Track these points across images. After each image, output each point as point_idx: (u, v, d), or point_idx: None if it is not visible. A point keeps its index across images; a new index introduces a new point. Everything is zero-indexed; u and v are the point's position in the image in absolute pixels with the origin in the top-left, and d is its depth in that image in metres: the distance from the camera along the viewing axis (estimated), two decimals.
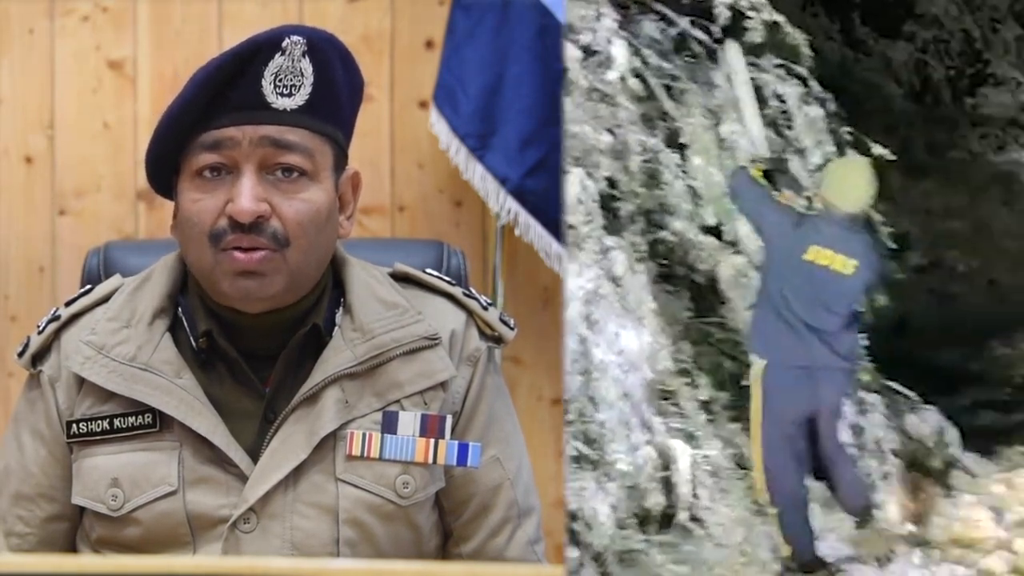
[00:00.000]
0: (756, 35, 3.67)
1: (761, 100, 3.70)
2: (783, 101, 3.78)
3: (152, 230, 2.86)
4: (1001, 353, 5.92)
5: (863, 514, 3.39)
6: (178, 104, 1.44)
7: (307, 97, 1.45)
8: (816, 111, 3.81)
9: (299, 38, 1.45)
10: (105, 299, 1.56)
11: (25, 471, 1.54)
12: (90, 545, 1.52)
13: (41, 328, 1.56)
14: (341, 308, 1.54)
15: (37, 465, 1.54)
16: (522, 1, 2.79)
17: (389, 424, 1.51)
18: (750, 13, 3.65)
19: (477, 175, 2.81)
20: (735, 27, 3.62)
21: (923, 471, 3.93)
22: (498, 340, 1.62)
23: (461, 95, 2.79)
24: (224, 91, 1.43)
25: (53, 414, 1.52)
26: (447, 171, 2.86)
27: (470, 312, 1.60)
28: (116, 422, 1.49)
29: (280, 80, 1.44)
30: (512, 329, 1.63)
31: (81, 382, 1.51)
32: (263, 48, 1.43)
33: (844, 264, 3.13)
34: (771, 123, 3.75)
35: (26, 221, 2.88)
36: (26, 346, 1.56)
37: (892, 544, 3.50)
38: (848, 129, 3.90)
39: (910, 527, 3.65)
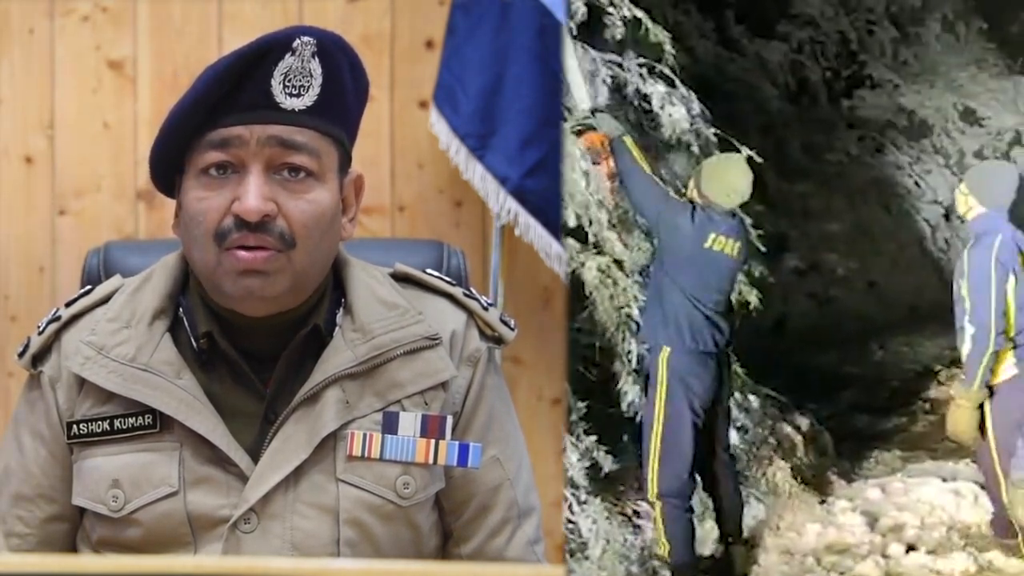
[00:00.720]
0: (616, 31, 3.62)
1: (623, 98, 3.67)
2: (647, 101, 3.76)
3: (152, 230, 2.86)
4: (879, 357, 5.90)
5: (736, 532, 3.48)
6: (187, 101, 1.44)
7: (315, 98, 1.45)
8: (680, 111, 3.79)
9: (309, 39, 1.44)
10: (105, 299, 1.56)
11: (25, 471, 1.54)
12: (91, 546, 1.52)
13: (41, 328, 1.56)
14: (342, 309, 1.54)
15: (37, 465, 1.54)
16: (522, 1, 2.79)
17: (390, 424, 1.51)
18: (609, 9, 3.58)
19: (477, 175, 2.81)
20: (592, 22, 3.57)
21: (797, 477, 3.95)
22: (498, 340, 1.62)
23: (461, 95, 2.79)
24: (233, 90, 1.42)
25: (53, 414, 1.52)
26: (447, 171, 2.86)
27: (470, 312, 1.60)
28: (116, 423, 1.49)
29: (289, 80, 1.44)
30: (512, 329, 1.63)
31: (81, 383, 1.51)
32: (273, 48, 1.43)
33: (733, 247, 3.38)
34: (636, 125, 3.75)
35: (26, 221, 2.88)
36: (26, 346, 1.56)
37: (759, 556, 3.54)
38: (714, 130, 3.91)
39: (785, 535, 3.66)
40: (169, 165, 1.50)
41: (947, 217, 6.77)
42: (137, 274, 1.59)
